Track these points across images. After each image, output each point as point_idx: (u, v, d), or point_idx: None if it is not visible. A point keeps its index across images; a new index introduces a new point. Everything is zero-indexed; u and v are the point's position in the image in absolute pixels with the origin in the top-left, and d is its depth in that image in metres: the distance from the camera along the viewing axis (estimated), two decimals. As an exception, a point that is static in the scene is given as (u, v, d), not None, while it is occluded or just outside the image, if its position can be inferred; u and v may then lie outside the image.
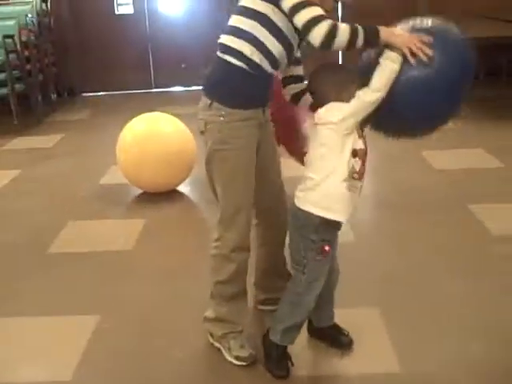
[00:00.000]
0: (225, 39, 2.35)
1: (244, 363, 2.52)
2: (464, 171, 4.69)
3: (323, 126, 2.23)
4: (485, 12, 7.32)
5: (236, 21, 2.33)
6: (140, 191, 4.56)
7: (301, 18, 2.16)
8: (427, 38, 2.14)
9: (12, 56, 6.46)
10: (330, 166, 2.23)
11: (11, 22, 6.58)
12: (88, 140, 6.25)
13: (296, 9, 2.17)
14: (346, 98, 2.20)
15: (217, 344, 2.61)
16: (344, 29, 2.13)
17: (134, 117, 4.58)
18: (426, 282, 3.11)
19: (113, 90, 8.43)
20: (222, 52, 2.35)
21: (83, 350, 2.69)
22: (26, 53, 6.74)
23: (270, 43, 2.28)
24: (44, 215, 4.29)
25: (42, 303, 3.14)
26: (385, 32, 2.16)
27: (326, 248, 2.33)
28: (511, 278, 3.12)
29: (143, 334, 2.82)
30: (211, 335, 2.63)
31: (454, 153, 5.11)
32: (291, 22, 2.23)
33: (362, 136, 2.26)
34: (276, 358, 2.47)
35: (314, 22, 2.13)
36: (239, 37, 2.30)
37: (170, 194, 4.49)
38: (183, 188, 4.61)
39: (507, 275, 3.13)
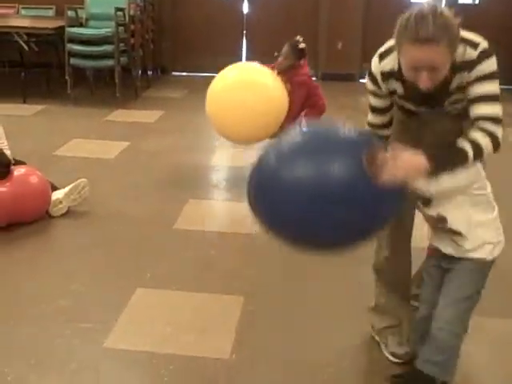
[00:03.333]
0: None
1: (400, 360, 2.48)
2: None
3: None
4: None
5: None
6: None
7: None
8: None
9: (120, 29, 6.50)
10: None
11: (122, -4, 6.63)
12: (188, 118, 6.25)
13: None
14: None
15: (377, 337, 2.59)
16: None
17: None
18: None
19: (203, 72, 8.42)
20: None
21: (235, 329, 2.70)
22: (132, 27, 6.78)
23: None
24: (164, 191, 4.30)
25: (181, 278, 3.14)
26: None
27: None
28: None
29: (289, 320, 2.81)
30: (372, 327, 2.62)
31: None
32: None
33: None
34: None
35: None
36: None
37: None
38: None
39: None
